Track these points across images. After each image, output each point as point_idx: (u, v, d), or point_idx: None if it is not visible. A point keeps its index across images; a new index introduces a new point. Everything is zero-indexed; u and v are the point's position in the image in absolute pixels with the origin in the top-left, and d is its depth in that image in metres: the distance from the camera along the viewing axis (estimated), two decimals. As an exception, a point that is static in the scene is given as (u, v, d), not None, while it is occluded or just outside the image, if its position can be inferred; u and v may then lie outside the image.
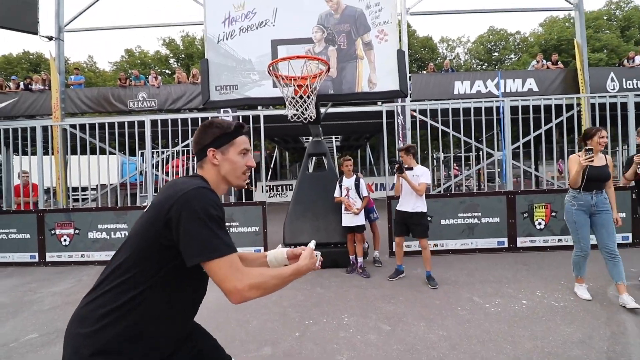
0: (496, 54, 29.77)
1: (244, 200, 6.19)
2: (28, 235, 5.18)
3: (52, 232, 5.14)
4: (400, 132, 9.17)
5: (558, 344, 2.37)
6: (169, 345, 1.07)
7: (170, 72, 27.44)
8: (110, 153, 6.50)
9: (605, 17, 25.58)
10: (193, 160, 8.73)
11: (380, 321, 2.83)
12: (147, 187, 6.00)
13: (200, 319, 2.47)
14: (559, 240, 4.81)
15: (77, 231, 5.11)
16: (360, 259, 4.21)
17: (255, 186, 12.21)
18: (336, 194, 4.30)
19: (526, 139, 5.94)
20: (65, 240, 5.11)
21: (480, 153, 9.63)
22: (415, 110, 7.37)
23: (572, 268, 3.25)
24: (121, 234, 5.09)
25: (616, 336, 2.45)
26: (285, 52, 3.19)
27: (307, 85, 2.83)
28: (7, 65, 26.35)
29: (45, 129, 6.56)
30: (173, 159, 9.06)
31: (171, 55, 28.33)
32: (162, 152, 7.67)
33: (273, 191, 13.59)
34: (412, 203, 3.75)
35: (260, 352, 2.40)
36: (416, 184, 3.66)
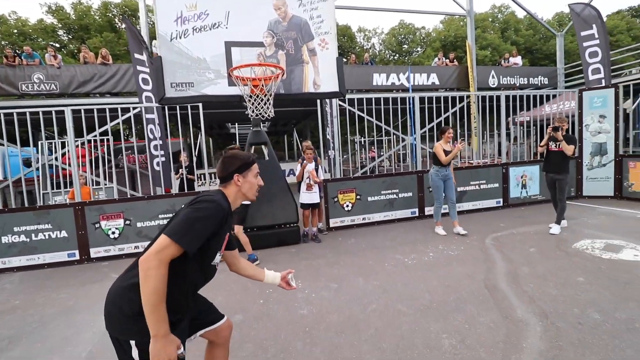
0: (405, 46, 32.83)
1: (185, 191, 6.14)
2: None
3: (-51, 240, 4.42)
4: (328, 119, 9.89)
5: (453, 280, 3.30)
6: (182, 311, 1.35)
7: (60, 46, 23.25)
8: None
9: (490, 19, 30.32)
10: (96, 150, 7.92)
11: (329, 282, 3.44)
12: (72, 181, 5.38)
13: None
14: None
15: (-15, 236, 4.50)
16: (314, 229, 5.00)
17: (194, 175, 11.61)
18: (297, 173, 4.90)
19: (430, 125, 7.17)
20: (-31, 247, 4.46)
21: (394, 138, 11.04)
22: (345, 101, 8.13)
23: (433, 216, 4.99)
24: (45, 235, 4.67)
25: (489, 270, 3.51)
26: (238, 53, 3.40)
27: (262, 85, 3.14)
28: None
29: None
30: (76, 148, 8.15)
31: (59, 25, 23.89)
32: (73, 143, 6.89)
33: (201, 180, 13.15)
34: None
35: (232, 319, 2.78)
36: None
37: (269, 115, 3.52)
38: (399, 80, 11.39)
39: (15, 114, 4.76)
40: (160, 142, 6.93)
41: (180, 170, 6.52)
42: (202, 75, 3.48)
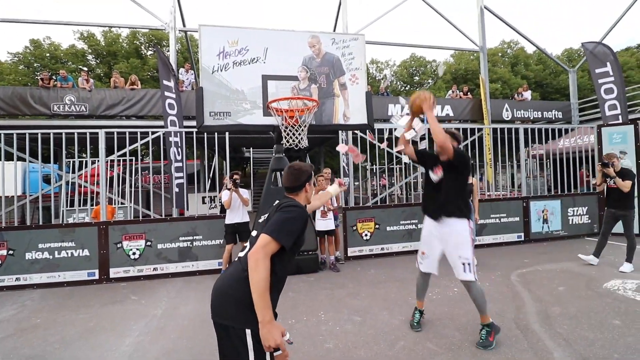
0: (417, 77, 33.71)
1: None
2: (-60, 260, 4.46)
3: (-24, 254, 4.52)
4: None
5: (483, 317, 3.19)
6: (274, 306, 1.53)
7: (88, 70, 24.56)
8: (20, 159, 5.48)
9: (500, 54, 31.11)
10: (112, 170, 8.12)
11: (352, 314, 3.36)
12: (100, 199, 5.48)
13: (191, 331, 2.80)
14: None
15: (10, 252, 4.59)
16: (332, 257, 4.93)
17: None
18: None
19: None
20: (-5, 262, 4.54)
21: (405, 167, 11.06)
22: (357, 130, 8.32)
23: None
24: (67, 253, 4.73)
25: (519, 309, 3.39)
26: (274, 86, 3.58)
27: (296, 117, 3.28)
28: None
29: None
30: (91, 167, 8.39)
31: (89, 50, 25.39)
32: (104, 162, 7.10)
33: (213, 202, 13.23)
34: (237, 217, 4.77)
35: (257, 349, 2.72)
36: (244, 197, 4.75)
37: (302, 145, 3.63)
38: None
39: (39, 133, 4.96)
40: (181, 164, 7.13)
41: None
42: (239, 105, 3.65)
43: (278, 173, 5.54)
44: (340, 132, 8.90)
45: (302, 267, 4.79)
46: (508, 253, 5.60)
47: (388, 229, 5.66)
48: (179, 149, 7.21)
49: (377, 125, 6.72)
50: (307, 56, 3.85)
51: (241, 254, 1.54)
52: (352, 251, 5.49)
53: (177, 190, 6.58)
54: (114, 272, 4.84)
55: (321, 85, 3.85)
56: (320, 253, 5.10)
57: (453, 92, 12.91)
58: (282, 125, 3.43)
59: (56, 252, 4.71)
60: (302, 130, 3.41)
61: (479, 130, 7.63)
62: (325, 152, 18.69)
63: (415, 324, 3.01)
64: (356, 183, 15.80)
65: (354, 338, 2.87)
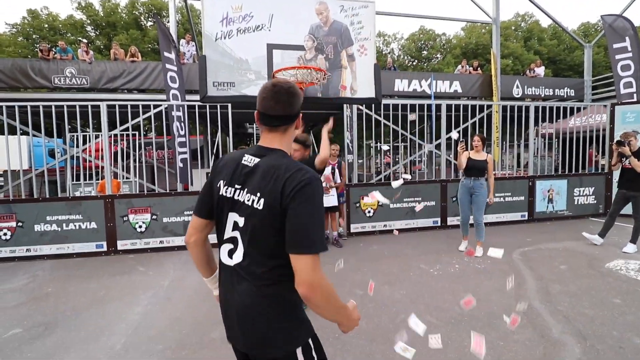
0: (425, 52, 32.60)
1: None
2: (-48, 230, 4.56)
3: (-13, 225, 4.61)
4: (348, 123, 9.89)
5: (483, 293, 3.24)
6: None
7: (87, 42, 24.00)
8: (23, 133, 5.30)
9: (513, 28, 29.81)
10: (116, 145, 8.12)
11: (354, 287, 3.43)
12: (106, 174, 5.47)
13: (196, 301, 2.87)
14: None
15: (20, 224, 4.67)
16: (335, 233, 5.01)
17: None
18: None
19: (448, 134, 6.95)
20: (5, 234, 4.64)
21: (410, 144, 10.92)
22: (362, 105, 8.10)
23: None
24: (75, 226, 4.81)
25: (520, 285, 3.43)
26: (279, 56, 3.45)
27: (303, 89, 3.17)
28: None
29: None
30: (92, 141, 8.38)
31: (88, 21, 24.69)
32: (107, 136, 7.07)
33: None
34: None
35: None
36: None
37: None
38: (421, 86, 11.30)
39: (41, 107, 4.90)
40: (184, 139, 7.07)
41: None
42: (244, 75, 3.54)
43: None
44: (345, 107, 8.74)
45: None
46: (511, 231, 5.61)
47: (391, 206, 5.66)
48: (182, 124, 7.13)
49: (385, 101, 6.49)
50: (314, 24, 3.67)
51: (231, 262, 1.07)
52: (355, 227, 5.53)
53: (181, 165, 6.57)
54: (121, 245, 4.94)
55: (328, 55, 3.70)
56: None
57: (462, 67, 12.49)
58: None
59: (64, 225, 4.80)
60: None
61: (488, 107, 7.44)
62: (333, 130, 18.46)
63: None
64: (360, 161, 15.71)
65: (356, 311, 2.93)
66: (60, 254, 4.78)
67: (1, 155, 6.10)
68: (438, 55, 32.19)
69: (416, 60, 32.18)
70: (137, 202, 4.97)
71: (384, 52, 31.87)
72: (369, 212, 5.57)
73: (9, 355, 2.38)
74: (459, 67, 12.83)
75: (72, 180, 8.74)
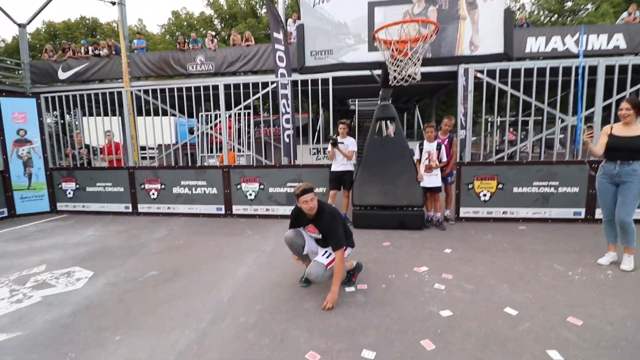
0: (569, 3, 25.93)
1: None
2: (122, 189, 5.88)
3: (142, 186, 5.78)
4: (462, 94, 8.67)
5: (657, 315, 2.35)
6: None
7: (215, 33, 27.57)
8: (171, 115, 6.57)
9: None
10: (238, 124, 9.08)
11: (462, 280, 2.96)
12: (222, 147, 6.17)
13: (293, 269, 2.82)
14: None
15: (163, 186, 5.70)
16: (438, 215, 4.55)
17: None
18: (416, 156, 4.55)
19: (608, 101, 5.19)
20: (153, 194, 5.75)
21: (544, 118, 8.83)
22: (481, 72, 6.78)
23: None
24: (201, 190, 5.60)
25: None
26: (382, 14, 3.09)
27: (407, 49, 2.77)
28: (67, 31, 28.06)
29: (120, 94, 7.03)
30: (226, 120, 9.41)
31: (215, 15, 28.25)
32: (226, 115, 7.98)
33: (320, 153, 13.75)
34: (341, 165, 4.77)
35: (355, 298, 2.67)
36: (346, 152, 4.70)
37: (415, 78, 3.08)
38: (564, 45, 9.00)
39: (184, 89, 5.71)
40: (289, 116, 7.41)
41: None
42: (342, 41, 3.31)
43: (383, 122, 5.13)
44: (460, 74, 7.62)
45: (406, 223, 4.48)
46: None
47: (515, 190, 4.71)
48: (288, 102, 7.45)
49: (513, 66, 4.97)
50: (425, -31, 3.10)
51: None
52: (466, 212, 4.84)
53: (286, 140, 6.91)
54: (235, 209, 5.54)
55: (442, 6, 3.08)
56: (426, 210, 4.67)
57: (630, 14, 9.37)
58: (389, 60, 2.93)
59: (193, 189, 5.63)
60: (415, 63, 2.84)
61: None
62: (437, 103, 16.76)
63: None
64: (473, 138, 13.84)
65: (464, 307, 2.50)
66: (190, 213, 5.66)
67: (156, 132, 7.69)
68: (589, 6, 25.21)
69: (556, 15, 25.98)
70: (248, 173, 5.45)
71: (522, 12, 26.76)
72: (485, 195, 4.77)
73: (147, 293, 2.89)
74: (625, 14, 9.68)
75: (203, 153, 10.28)
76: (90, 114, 7.30)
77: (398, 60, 2.87)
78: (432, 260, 3.45)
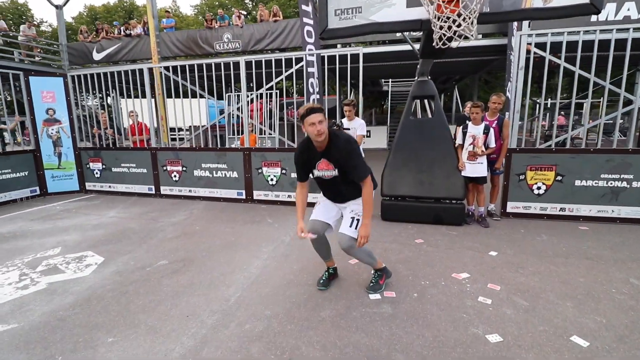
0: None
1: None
2: (145, 170, 5.81)
3: (164, 168, 5.66)
4: (512, 71, 7.66)
5: None
6: None
7: (246, 13, 27.11)
8: (200, 96, 6.40)
9: None
10: (269, 104, 8.77)
11: (512, 293, 2.44)
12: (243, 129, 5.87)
13: (312, 266, 2.34)
14: None
15: (184, 168, 5.54)
16: (481, 209, 3.99)
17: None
18: (458, 140, 3.96)
19: None
20: (175, 176, 5.61)
21: (603, 101, 7.57)
22: (531, 44, 5.80)
23: None
24: (222, 174, 5.37)
25: None
26: None
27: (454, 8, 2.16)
28: (107, 14, 28.97)
29: (142, 72, 6.83)
30: (257, 101, 9.11)
31: (247, -6, 27.71)
32: (247, 95, 7.67)
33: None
34: None
35: (380, 309, 2.26)
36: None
37: (472, 37, 2.45)
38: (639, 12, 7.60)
39: (204, 67, 5.40)
40: (318, 96, 6.94)
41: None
42: None
43: (419, 101, 4.52)
44: (509, 49, 6.69)
45: (442, 217, 3.95)
46: None
47: (577, 183, 3.98)
48: (316, 80, 6.96)
49: (568, 37, 3.88)
50: None
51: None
52: (514, 207, 4.19)
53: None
54: (256, 194, 5.27)
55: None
56: (467, 204, 4.09)
57: None
58: (435, 17, 2.32)
59: (214, 172, 5.42)
60: (470, 20, 2.21)
61: None
62: (479, 84, 15.36)
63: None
64: (520, 122, 12.59)
65: (518, 331, 2.01)
66: (211, 197, 5.48)
67: (185, 114, 7.58)
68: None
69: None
70: (269, 156, 5.11)
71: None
72: (539, 188, 4.08)
73: (153, 285, 2.66)
74: None
75: (229, 135, 10.12)
76: (121, 95, 7.28)
77: (445, 17, 2.26)
78: (475, 264, 2.94)
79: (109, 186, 6.13)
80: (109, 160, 6.03)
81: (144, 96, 6.94)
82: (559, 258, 3.04)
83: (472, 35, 2.39)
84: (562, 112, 14.40)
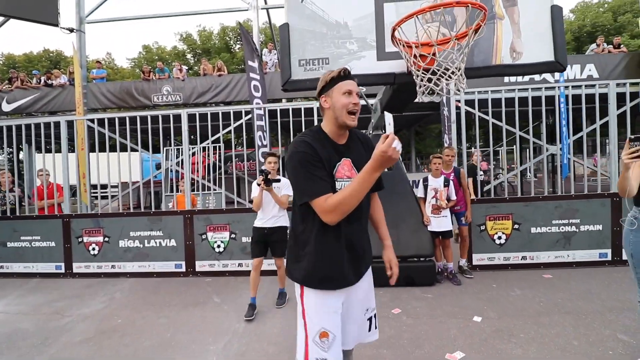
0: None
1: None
2: (53, 243, 4.66)
3: (80, 239, 4.60)
4: (446, 124, 8.33)
5: None
6: None
7: (187, 68, 27.08)
8: (132, 150, 5.61)
9: (648, 0, 23.70)
10: (214, 157, 8.21)
11: (518, 375, 2.10)
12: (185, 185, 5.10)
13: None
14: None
15: (106, 239, 4.55)
16: (450, 264, 3.79)
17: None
18: (419, 194, 3.79)
19: (591, 127, 4.84)
20: (93, 249, 4.56)
21: (529, 146, 8.67)
22: (459, 101, 6.43)
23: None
24: (156, 242, 4.50)
25: None
26: (394, 11, 2.40)
27: (433, 52, 2.07)
28: (27, 64, 26.46)
29: (69, 125, 5.97)
30: (200, 154, 8.49)
31: (188, 50, 27.91)
32: (189, 149, 7.04)
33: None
34: (271, 218, 3.21)
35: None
36: (279, 196, 3.13)
37: (461, 89, 2.33)
38: (540, 74, 9.06)
39: (150, 119, 4.79)
40: (267, 149, 6.64)
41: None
42: (341, 46, 2.56)
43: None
44: (441, 104, 7.30)
45: (414, 278, 3.63)
46: None
47: (533, 230, 4.05)
48: (265, 134, 6.72)
49: (492, 95, 4.54)
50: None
51: None
52: (480, 258, 4.08)
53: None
54: (199, 265, 4.46)
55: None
56: (435, 260, 3.87)
57: (598, 45, 9.77)
58: (413, 67, 2.17)
59: (146, 241, 4.53)
60: (453, 73, 2.10)
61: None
62: (412, 135, 16.68)
63: None
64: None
65: None
66: (141, 272, 4.50)
67: (113, 169, 6.53)
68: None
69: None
70: (215, 219, 4.46)
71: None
72: (499, 237, 4.07)
73: None
74: (593, 46, 10.10)
75: (165, 192, 9.11)
76: (38, 150, 6.12)
77: (424, 71, 2.14)
78: (464, 337, 2.58)
79: (1, 266, 4.76)
80: (3, 232, 4.75)
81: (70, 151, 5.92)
82: (542, 317, 2.85)
83: (462, 88, 2.32)
84: (483, 159, 16.19)
